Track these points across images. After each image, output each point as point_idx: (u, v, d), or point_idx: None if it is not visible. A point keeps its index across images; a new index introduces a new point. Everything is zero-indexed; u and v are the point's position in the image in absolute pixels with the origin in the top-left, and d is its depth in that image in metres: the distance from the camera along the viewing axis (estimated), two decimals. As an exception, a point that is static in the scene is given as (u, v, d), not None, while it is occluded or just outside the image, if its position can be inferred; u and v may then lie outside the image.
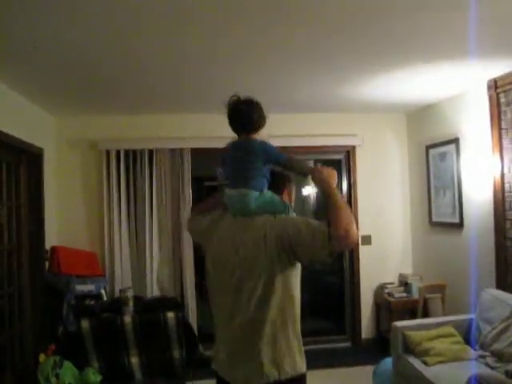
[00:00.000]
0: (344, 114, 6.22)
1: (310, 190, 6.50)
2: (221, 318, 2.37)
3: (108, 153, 5.76)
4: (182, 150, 5.86)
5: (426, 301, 5.38)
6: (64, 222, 5.79)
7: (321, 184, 2.27)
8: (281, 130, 5.96)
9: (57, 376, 4.03)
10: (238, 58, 3.90)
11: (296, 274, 2.29)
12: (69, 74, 4.12)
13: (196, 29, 3.18)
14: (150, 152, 5.81)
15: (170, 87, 4.71)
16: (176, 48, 3.56)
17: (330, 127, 6.20)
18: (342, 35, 3.39)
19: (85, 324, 4.99)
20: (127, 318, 5.09)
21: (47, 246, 5.29)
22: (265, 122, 2.50)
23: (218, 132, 5.97)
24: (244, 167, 2.37)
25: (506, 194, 4.48)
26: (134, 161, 5.80)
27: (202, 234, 2.54)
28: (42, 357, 4.15)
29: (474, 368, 3.64)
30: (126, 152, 5.78)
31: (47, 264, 5.28)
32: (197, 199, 5.97)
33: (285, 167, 2.45)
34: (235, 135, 2.58)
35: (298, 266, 2.28)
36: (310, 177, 2.34)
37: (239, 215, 2.34)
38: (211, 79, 4.50)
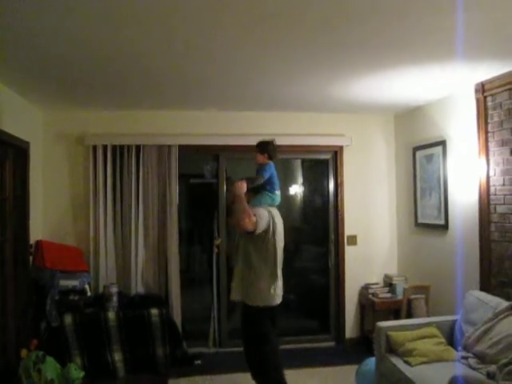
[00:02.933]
0: (332, 114, 6.24)
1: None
2: (276, 268, 4.04)
3: (95, 148, 5.72)
4: (169, 146, 5.83)
5: (410, 301, 5.41)
6: (50, 216, 5.76)
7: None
8: (269, 128, 6.00)
9: (39, 371, 4.00)
10: (228, 57, 3.89)
11: None
12: (57, 68, 4.09)
13: (185, 26, 3.17)
14: (138, 148, 5.79)
15: (158, 84, 4.70)
16: (166, 45, 3.55)
17: (318, 127, 6.21)
18: (330, 36, 3.39)
19: (68, 319, 4.97)
20: (111, 314, 5.07)
21: (32, 241, 5.25)
22: None
23: (206, 129, 6.00)
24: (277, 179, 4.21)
25: (491, 197, 4.51)
26: (121, 156, 5.77)
27: (270, 223, 3.99)
28: (24, 352, 4.12)
29: (457, 369, 3.66)
30: (113, 147, 5.75)
31: (31, 258, 5.25)
32: (183, 196, 5.97)
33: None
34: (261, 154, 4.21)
35: None
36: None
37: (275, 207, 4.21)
38: (201, 77, 4.49)
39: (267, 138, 4.24)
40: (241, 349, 5.88)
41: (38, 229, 5.54)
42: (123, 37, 3.38)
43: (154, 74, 4.35)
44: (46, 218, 5.74)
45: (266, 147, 4.16)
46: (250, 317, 4.08)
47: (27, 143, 5.12)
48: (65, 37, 3.34)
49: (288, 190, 6.85)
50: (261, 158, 4.15)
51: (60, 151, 5.83)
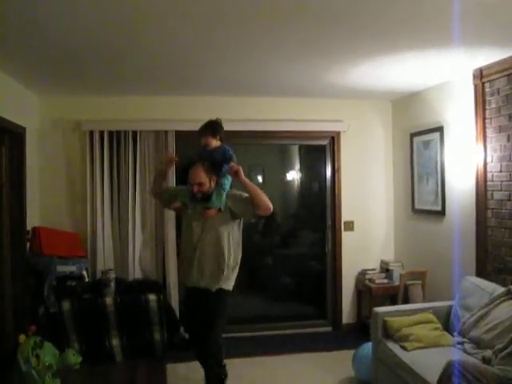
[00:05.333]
0: (330, 100, 6.21)
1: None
2: None
3: (92, 134, 5.70)
4: (166, 132, 5.81)
5: (406, 287, 5.44)
6: (46, 202, 5.74)
7: None
8: (266, 113, 5.99)
9: (37, 357, 4.00)
10: (225, 44, 3.88)
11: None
12: (54, 54, 4.06)
13: (184, 15, 3.15)
14: (134, 134, 5.76)
15: (155, 69, 4.67)
16: (165, 31, 3.52)
17: (316, 113, 6.19)
18: (328, 22, 3.37)
19: (66, 305, 4.98)
20: (109, 300, 5.08)
21: (29, 227, 5.25)
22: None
23: (203, 115, 5.96)
24: None
25: (488, 183, 4.52)
26: (117, 142, 5.75)
27: None
28: (22, 337, 4.12)
29: (452, 354, 3.68)
30: (110, 133, 5.73)
31: (29, 244, 5.25)
32: (180, 181, 5.95)
33: None
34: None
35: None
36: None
37: None
38: (199, 63, 4.47)
39: (213, 118, 4.12)
40: (236, 334, 5.97)
41: (35, 215, 5.53)
42: (120, 23, 3.35)
43: (152, 59, 4.32)
44: (43, 203, 5.73)
45: (218, 129, 4.07)
46: (225, 301, 4.07)
47: (23, 129, 5.10)
48: (62, 23, 3.31)
49: (285, 176, 6.85)
50: (213, 142, 4.04)
51: (56, 137, 5.80)
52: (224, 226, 3.95)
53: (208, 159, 3.95)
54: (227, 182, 4.01)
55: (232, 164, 3.89)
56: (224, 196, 3.96)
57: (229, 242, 3.97)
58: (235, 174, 3.86)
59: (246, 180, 3.89)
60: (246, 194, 3.93)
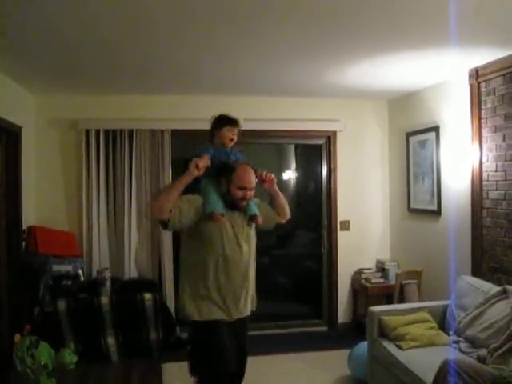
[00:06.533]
0: (326, 100, 6.21)
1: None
2: None
3: (88, 132, 5.69)
4: (162, 131, 5.81)
5: (402, 286, 5.45)
6: (42, 201, 5.73)
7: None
8: (263, 113, 5.99)
9: (32, 356, 3.99)
10: (223, 43, 3.88)
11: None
12: (49, 52, 4.05)
13: (183, 14, 3.15)
14: (130, 133, 5.76)
15: (151, 68, 4.66)
16: (162, 31, 3.52)
17: (312, 112, 6.19)
18: (327, 22, 3.38)
19: (61, 304, 4.96)
20: (104, 299, 5.07)
21: (25, 226, 5.24)
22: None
23: (199, 114, 5.96)
24: None
25: (484, 183, 4.53)
26: (113, 141, 5.74)
27: None
28: (17, 337, 4.10)
29: (448, 353, 3.69)
30: (106, 132, 5.72)
31: (24, 244, 5.24)
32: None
33: None
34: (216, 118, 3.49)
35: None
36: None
37: None
38: (196, 63, 4.47)
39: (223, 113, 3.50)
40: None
41: (31, 214, 5.52)
42: (117, 22, 3.36)
43: (148, 58, 4.32)
44: (39, 203, 5.71)
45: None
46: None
47: (19, 128, 5.09)
48: (59, 22, 3.31)
49: (281, 176, 6.84)
50: None
51: (53, 136, 5.79)
52: (254, 238, 3.43)
53: (239, 159, 3.37)
54: None
55: (264, 172, 3.33)
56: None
57: (254, 255, 3.43)
58: (270, 184, 3.36)
59: (277, 189, 3.46)
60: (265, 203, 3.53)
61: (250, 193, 3.20)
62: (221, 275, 3.17)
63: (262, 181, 3.32)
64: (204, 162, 3.10)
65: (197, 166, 3.04)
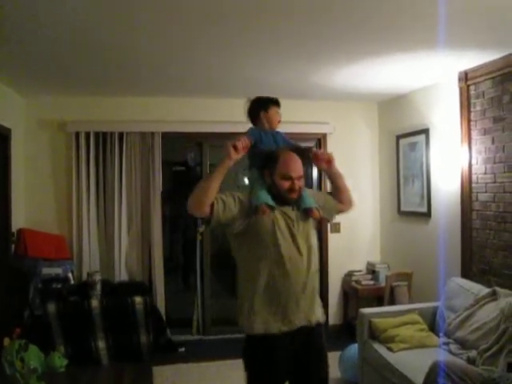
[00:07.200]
0: (316, 102, 6.22)
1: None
2: None
3: (77, 135, 5.66)
4: (152, 133, 5.80)
5: (392, 288, 5.46)
6: (32, 204, 5.69)
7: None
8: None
9: (22, 360, 3.98)
10: (213, 45, 3.89)
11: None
12: (39, 54, 4.04)
13: (173, 16, 3.15)
14: (121, 135, 5.74)
15: (142, 70, 4.66)
16: (153, 32, 3.52)
17: (302, 114, 6.18)
18: (317, 24, 3.39)
19: (51, 308, 4.94)
20: (94, 302, 5.06)
21: (14, 229, 5.21)
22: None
23: (190, 116, 5.96)
24: None
25: (473, 185, 4.55)
26: (103, 143, 5.72)
27: None
28: (6, 341, 4.10)
29: (438, 355, 3.70)
30: (96, 134, 5.70)
31: (13, 247, 5.21)
32: (167, 184, 5.95)
33: None
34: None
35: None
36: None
37: None
38: (186, 65, 4.47)
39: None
40: (224, 336, 5.96)
41: (20, 217, 5.49)
42: (107, 23, 3.35)
43: (139, 60, 4.31)
44: (29, 205, 5.68)
45: None
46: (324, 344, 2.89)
47: (8, 130, 5.07)
48: (48, 23, 3.30)
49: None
50: None
51: (42, 138, 5.76)
52: (313, 232, 2.95)
53: (289, 145, 2.97)
54: None
55: (319, 151, 2.95)
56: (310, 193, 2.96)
57: (315, 254, 2.89)
58: (328, 164, 2.94)
59: (338, 170, 3.05)
60: (322, 191, 3.07)
61: (299, 182, 2.72)
62: (278, 278, 2.66)
63: (317, 160, 2.90)
64: (242, 142, 2.62)
65: (234, 147, 2.59)
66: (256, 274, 2.67)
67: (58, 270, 5.26)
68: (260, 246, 2.69)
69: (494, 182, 4.29)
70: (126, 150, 5.73)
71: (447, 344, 3.93)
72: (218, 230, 2.81)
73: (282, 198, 2.72)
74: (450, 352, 3.82)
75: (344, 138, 6.34)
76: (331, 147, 6.29)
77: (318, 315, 2.79)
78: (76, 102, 5.78)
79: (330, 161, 2.90)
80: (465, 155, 4.62)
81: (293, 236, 2.72)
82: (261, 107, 2.95)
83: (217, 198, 2.59)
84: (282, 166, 2.70)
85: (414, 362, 3.68)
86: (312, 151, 2.90)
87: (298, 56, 4.22)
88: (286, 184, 2.69)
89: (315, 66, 4.55)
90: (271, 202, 2.67)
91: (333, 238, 6.35)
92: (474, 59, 4.26)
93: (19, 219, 5.42)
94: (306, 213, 2.77)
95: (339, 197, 3.05)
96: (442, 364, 3.11)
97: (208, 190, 2.56)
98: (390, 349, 3.99)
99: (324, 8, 3.11)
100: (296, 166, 2.73)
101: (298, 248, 2.72)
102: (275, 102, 3.01)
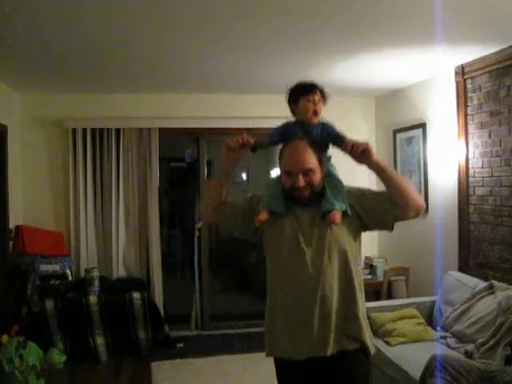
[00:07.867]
0: (313, 97, 6.21)
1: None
2: None
3: (74, 131, 5.66)
4: (149, 129, 5.79)
5: (390, 283, 5.48)
6: (29, 201, 5.69)
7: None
8: (250, 110, 5.98)
9: (20, 357, 3.98)
10: (209, 42, 3.89)
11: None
12: (35, 50, 4.02)
13: (169, 12, 3.14)
14: (117, 131, 5.73)
15: (138, 66, 4.64)
16: (149, 28, 3.51)
17: (299, 109, 6.18)
18: (313, 20, 3.38)
19: (49, 304, 4.95)
20: (92, 299, 5.06)
21: (12, 226, 5.21)
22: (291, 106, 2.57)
23: (187, 112, 5.94)
24: None
25: (470, 179, 4.56)
26: (100, 140, 5.71)
27: None
28: (5, 337, 4.10)
29: (435, 348, 3.72)
30: (93, 131, 5.69)
31: (11, 243, 5.21)
32: (164, 180, 5.95)
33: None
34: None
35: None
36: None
37: None
38: (182, 61, 4.47)
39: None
40: (222, 331, 5.96)
41: (18, 213, 5.49)
42: (104, 19, 3.34)
43: (135, 56, 4.30)
44: (26, 202, 5.68)
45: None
46: (368, 372, 2.55)
47: (5, 127, 5.05)
48: (44, 20, 3.29)
49: (269, 175, 6.84)
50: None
51: (39, 135, 5.75)
52: (350, 242, 2.42)
53: (308, 136, 2.46)
54: (335, 170, 2.74)
55: (352, 140, 2.39)
56: (344, 191, 2.54)
57: (356, 269, 2.42)
58: (363, 157, 2.38)
59: (384, 163, 2.48)
60: (371, 189, 2.63)
61: (306, 178, 2.31)
62: (284, 293, 2.28)
63: (351, 154, 2.40)
64: (237, 140, 2.30)
65: (228, 147, 2.30)
66: (268, 289, 2.38)
67: (56, 267, 5.26)
68: (267, 258, 2.39)
69: (491, 176, 4.29)
70: (122, 147, 5.73)
71: (445, 338, 3.94)
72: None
73: (294, 199, 2.34)
74: (448, 346, 3.83)
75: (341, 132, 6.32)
76: (328, 142, 6.29)
77: (342, 343, 2.26)
78: (72, 99, 5.76)
79: (366, 154, 2.34)
80: (462, 149, 4.62)
81: (297, 242, 2.28)
82: (290, 101, 2.58)
83: (222, 203, 2.42)
84: (283, 160, 2.36)
85: (411, 355, 3.69)
86: (344, 142, 2.40)
87: (295, 51, 4.21)
88: (289, 181, 2.31)
89: (310, 62, 4.54)
90: (275, 207, 2.32)
91: (330, 233, 6.34)
92: (470, 53, 4.26)
93: (17, 216, 5.41)
94: (324, 217, 2.30)
95: (397, 199, 2.43)
96: (439, 358, 3.12)
97: (209, 199, 2.45)
98: (387, 343, 4.00)
99: (321, 2, 3.10)
100: (298, 157, 2.31)
101: (300, 256, 2.25)
102: (304, 91, 2.50)
